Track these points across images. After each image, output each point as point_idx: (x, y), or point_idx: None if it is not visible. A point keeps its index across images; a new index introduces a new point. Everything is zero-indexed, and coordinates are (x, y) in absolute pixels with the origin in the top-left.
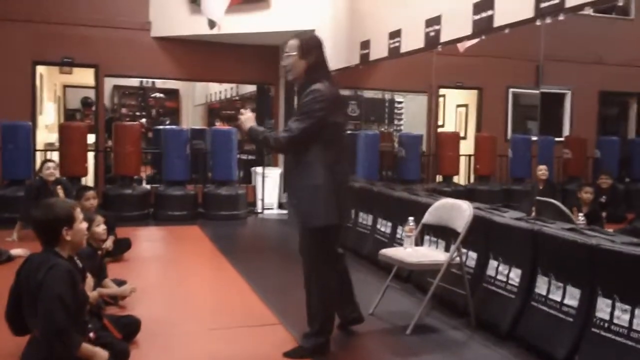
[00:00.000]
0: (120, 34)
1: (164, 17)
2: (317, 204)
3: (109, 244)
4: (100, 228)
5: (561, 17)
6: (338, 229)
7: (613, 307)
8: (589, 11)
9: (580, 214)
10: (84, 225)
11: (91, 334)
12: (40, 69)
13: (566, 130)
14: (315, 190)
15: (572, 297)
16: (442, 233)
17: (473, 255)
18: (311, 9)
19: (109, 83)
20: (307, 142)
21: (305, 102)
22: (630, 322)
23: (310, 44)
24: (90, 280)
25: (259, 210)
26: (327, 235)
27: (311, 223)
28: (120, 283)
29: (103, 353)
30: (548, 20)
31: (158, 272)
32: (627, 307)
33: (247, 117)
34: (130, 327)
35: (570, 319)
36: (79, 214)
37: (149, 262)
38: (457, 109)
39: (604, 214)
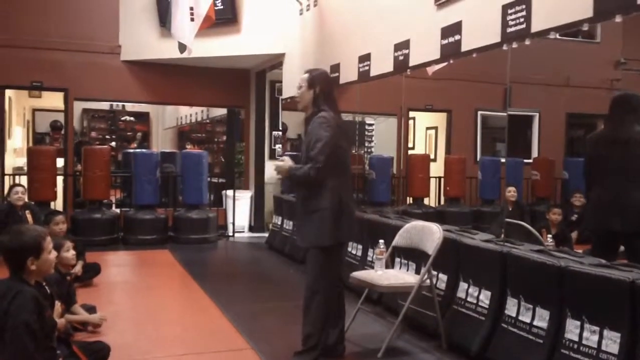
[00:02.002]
0: (90, 57)
1: (134, 40)
2: (324, 225)
3: (78, 269)
4: (70, 253)
5: (527, 42)
6: (341, 248)
7: (582, 329)
8: (555, 35)
9: (549, 236)
10: (53, 255)
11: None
12: (8, 93)
13: (534, 152)
14: (322, 213)
15: (542, 319)
16: (413, 255)
17: (443, 277)
18: (281, 32)
19: (79, 106)
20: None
21: (315, 131)
22: (599, 343)
23: (317, 77)
24: (58, 306)
25: (230, 234)
26: (331, 254)
27: (318, 243)
28: (89, 308)
29: None
30: (515, 45)
31: (128, 297)
32: (596, 328)
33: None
34: (100, 353)
35: (540, 341)
36: (48, 243)
37: (118, 287)
38: (426, 131)
39: (575, 233)
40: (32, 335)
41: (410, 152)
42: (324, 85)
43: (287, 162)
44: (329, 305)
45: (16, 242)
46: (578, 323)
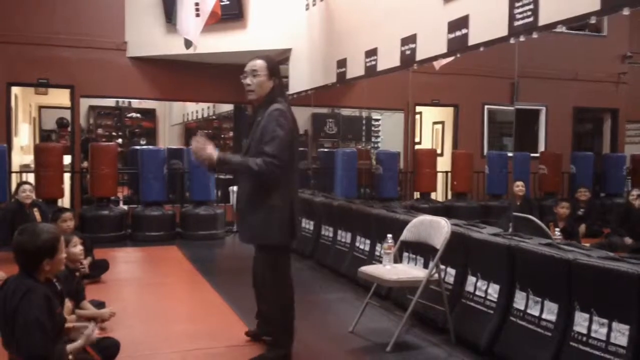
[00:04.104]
0: (96, 54)
1: (140, 37)
2: (274, 224)
3: (85, 264)
4: (77, 249)
5: (535, 35)
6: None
7: (590, 321)
8: (562, 29)
9: (557, 229)
10: (64, 255)
11: (70, 357)
12: (15, 90)
13: (541, 146)
14: (276, 210)
15: (550, 312)
16: (421, 250)
17: (452, 271)
18: (287, 28)
19: (85, 103)
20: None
21: (271, 125)
22: (608, 335)
23: (276, 66)
24: (68, 303)
25: (237, 230)
26: (283, 251)
27: (267, 241)
28: (98, 304)
29: None
30: (522, 39)
31: (137, 293)
32: (604, 320)
33: (208, 146)
34: (109, 349)
35: (549, 334)
36: (61, 244)
37: (127, 284)
38: (433, 126)
39: (582, 227)
40: (44, 332)
41: (417, 147)
42: (280, 76)
43: (210, 147)
44: (286, 297)
45: (34, 243)
46: (587, 316)
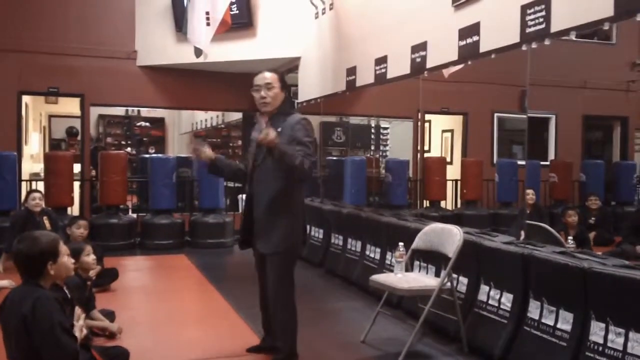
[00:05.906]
0: (106, 63)
1: (150, 46)
2: (297, 230)
3: (92, 274)
4: (90, 258)
5: (547, 42)
6: None
7: (607, 331)
8: (572, 36)
9: (570, 237)
10: (69, 259)
11: None
12: (25, 99)
13: (551, 154)
14: (294, 218)
15: (565, 321)
16: (432, 258)
17: (464, 280)
18: (297, 36)
19: (94, 112)
20: None
21: (301, 132)
22: (625, 345)
23: (284, 78)
24: (79, 311)
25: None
26: (296, 258)
27: (291, 247)
28: (108, 313)
29: None
30: (534, 45)
31: (146, 302)
32: (621, 330)
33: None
34: (119, 358)
35: (564, 344)
36: (62, 247)
37: (136, 292)
38: (442, 134)
39: (593, 234)
40: (69, 333)
41: (426, 155)
42: (288, 87)
43: (273, 132)
44: (294, 306)
45: (35, 247)
46: (603, 325)
